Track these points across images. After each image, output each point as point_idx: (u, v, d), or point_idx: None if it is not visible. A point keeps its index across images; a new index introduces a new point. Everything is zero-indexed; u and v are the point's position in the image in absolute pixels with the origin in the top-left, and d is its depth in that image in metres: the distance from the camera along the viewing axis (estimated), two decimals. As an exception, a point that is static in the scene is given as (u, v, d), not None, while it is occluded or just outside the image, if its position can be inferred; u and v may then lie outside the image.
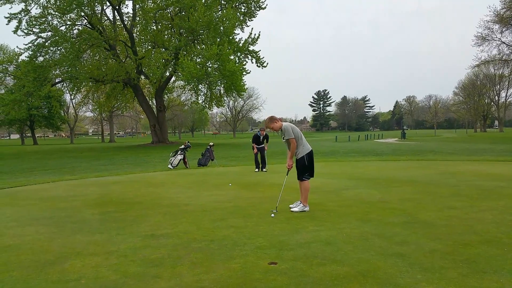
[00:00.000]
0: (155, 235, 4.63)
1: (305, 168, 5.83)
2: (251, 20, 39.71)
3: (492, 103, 77.19)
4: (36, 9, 38.16)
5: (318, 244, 4.08)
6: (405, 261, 3.51)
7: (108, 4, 34.78)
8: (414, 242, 4.08)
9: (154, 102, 42.62)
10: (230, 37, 33.83)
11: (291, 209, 5.86)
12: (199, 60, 32.74)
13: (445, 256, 3.62)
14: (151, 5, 34.78)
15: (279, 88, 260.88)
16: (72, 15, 33.12)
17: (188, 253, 3.91)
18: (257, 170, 12.55)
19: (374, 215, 5.42)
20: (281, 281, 3.15)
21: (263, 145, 12.87)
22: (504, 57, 46.39)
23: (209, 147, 15.77)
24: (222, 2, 37.55)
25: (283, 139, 5.92)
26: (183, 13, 34.63)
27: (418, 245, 3.95)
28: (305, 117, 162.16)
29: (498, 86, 73.17)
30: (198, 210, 6.16)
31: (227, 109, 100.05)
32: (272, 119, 5.98)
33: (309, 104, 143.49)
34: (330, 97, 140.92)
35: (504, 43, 43.60)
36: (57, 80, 37.03)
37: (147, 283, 3.20)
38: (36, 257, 3.92)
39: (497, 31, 42.75)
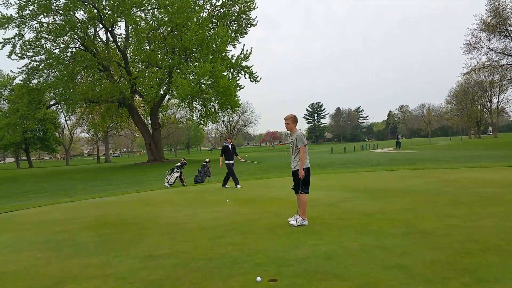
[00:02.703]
0: (153, 256, 4.57)
1: (303, 181, 5.82)
2: (243, 37, 40.45)
3: (485, 109, 77.97)
4: (29, 33, 38.43)
5: (318, 259, 4.04)
6: (406, 272, 3.48)
7: (101, 26, 35.11)
8: (415, 253, 4.05)
9: (149, 120, 42.65)
10: (223, 54, 34.25)
11: (290, 223, 5.83)
12: (192, 77, 32.96)
13: (446, 266, 3.60)
14: (143, 25, 35.15)
15: (273, 102, 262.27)
16: (66, 38, 33.41)
17: (187, 273, 3.85)
18: (227, 186, 12.24)
19: (373, 226, 5.39)
20: (282, 298, 3.10)
21: (232, 161, 12.32)
22: (493, 64, 47.20)
23: (205, 163, 15.71)
24: (214, 20, 38.10)
25: (291, 143, 6.00)
26: (176, 32, 35.04)
27: (419, 256, 3.93)
28: (300, 129, 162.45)
29: (490, 92, 74.07)
30: (196, 228, 6.10)
31: (222, 124, 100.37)
32: (295, 119, 6.02)
33: (304, 117, 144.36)
34: (324, 109, 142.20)
35: (492, 50, 44.40)
36: (51, 103, 37.07)
37: (146, 306, 3.14)
38: (33, 283, 3.84)
39: (484, 38, 43.66)
